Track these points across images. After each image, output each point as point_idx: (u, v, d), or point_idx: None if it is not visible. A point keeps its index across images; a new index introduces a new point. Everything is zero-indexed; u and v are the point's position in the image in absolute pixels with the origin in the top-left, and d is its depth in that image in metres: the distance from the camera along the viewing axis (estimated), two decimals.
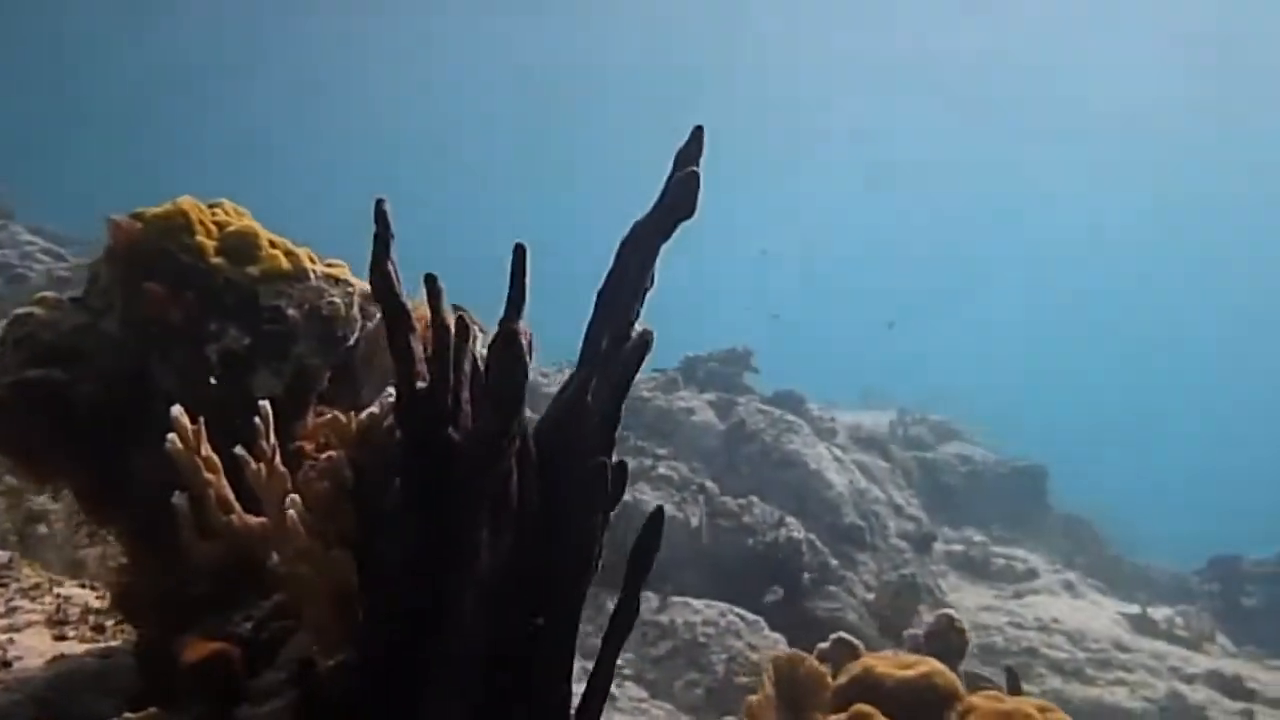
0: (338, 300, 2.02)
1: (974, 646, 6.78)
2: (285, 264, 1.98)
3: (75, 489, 1.99)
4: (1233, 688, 5.71)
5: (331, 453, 1.39)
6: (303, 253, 2.03)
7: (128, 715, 1.57)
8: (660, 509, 1.33)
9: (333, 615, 1.38)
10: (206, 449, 1.64)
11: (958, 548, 8.91)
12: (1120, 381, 42.11)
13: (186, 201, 1.95)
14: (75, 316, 2.01)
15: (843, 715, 2.30)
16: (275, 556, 1.66)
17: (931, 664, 2.43)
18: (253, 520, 1.65)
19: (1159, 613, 7.11)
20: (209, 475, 1.62)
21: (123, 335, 1.92)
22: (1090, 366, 42.87)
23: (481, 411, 1.11)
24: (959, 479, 12.00)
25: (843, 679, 2.45)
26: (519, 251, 1.15)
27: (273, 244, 1.99)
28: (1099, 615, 7.09)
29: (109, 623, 2.43)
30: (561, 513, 1.27)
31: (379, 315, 2.20)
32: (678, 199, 1.42)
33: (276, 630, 1.81)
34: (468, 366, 1.29)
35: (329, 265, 2.08)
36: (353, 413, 1.45)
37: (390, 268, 1.30)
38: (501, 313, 1.22)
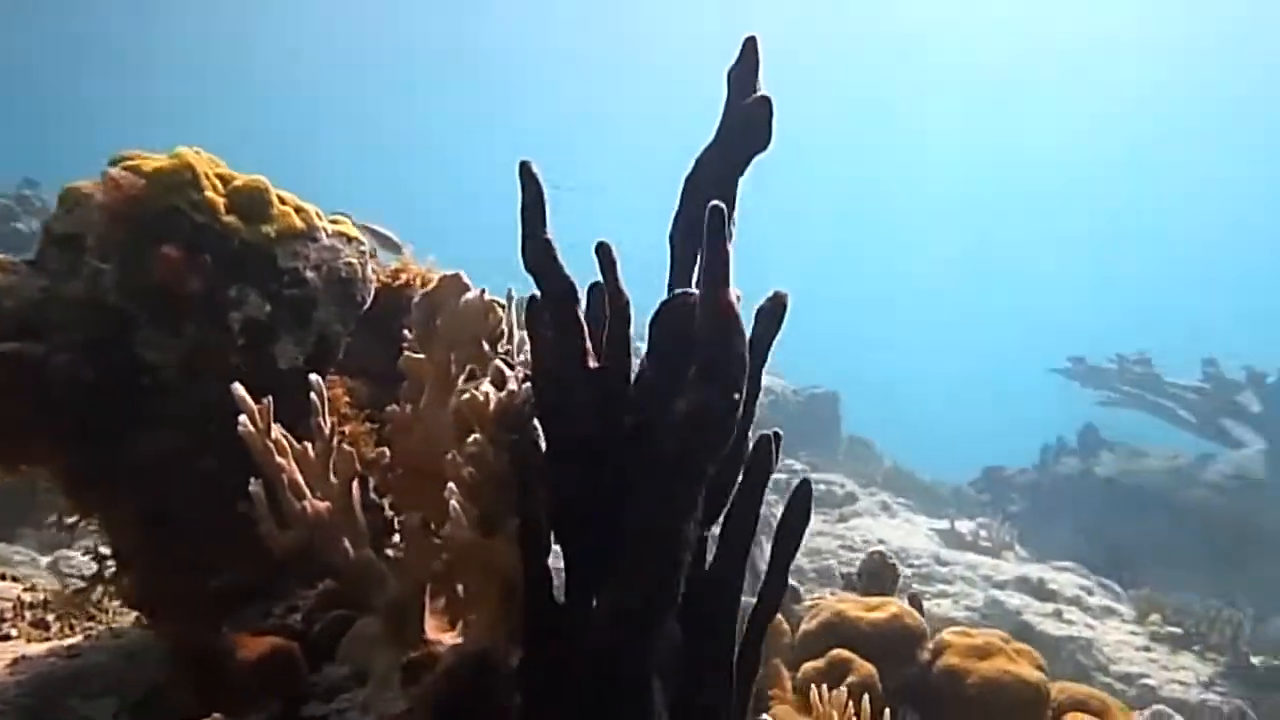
0: (354, 261, 1.88)
1: (812, 570, 7.26)
2: (298, 222, 1.82)
3: (57, 473, 1.77)
4: (1039, 591, 6.39)
5: (478, 437, 1.30)
6: (310, 209, 1.87)
7: None
8: (807, 481, 1.34)
9: (502, 610, 1.32)
10: (276, 430, 1.51)
11: (781, 476, 9.39)
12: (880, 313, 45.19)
13: (188, 153, 1.74)
14: (36, 280, 1.78)
15: (821, 661, 2.42)
16: (346, 543, 1.57)
17: (898, 605, 2.59)
18: (322, 506, 1.54)
19: (964, 526, 7.82)
20: (281, 459, 1.49)
21: (118, 303, 1.71)
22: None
23: (705, 389, 1.07)
24: (761, 410, 12.55)
25: (813, 625, 2.56)
26: (715, 213, 1.08)
27: (282, 200, 1.82)
28: (915, 533, 7.73)
29: (51, 618, 2.19)
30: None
31: (384, 277, 2.08)
32: (749, 130, 1.29)
33: (330, 623, 1.71)
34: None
35: (334, 220, 1.93)
36: (482, 391, 1.36)
37: (548, 236, 1.22)
38: (702, 278, 1.13)
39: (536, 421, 1.27)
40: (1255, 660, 5.38)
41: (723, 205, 1.09)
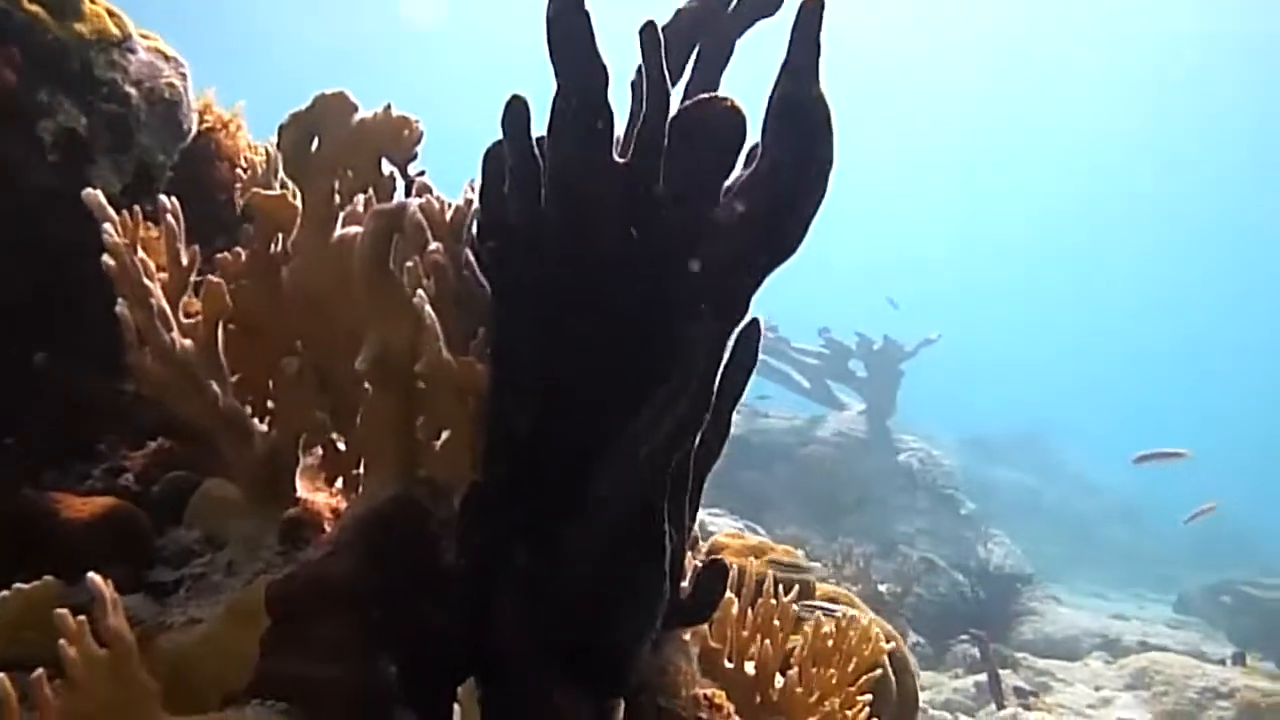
0: (176, 82, 1.62)
1: None
2: (112, 26, 1.54)
3: None
4: (701, 532, 6.88)
5: (437, 248, 1.17)
6: (123, 15, 1.59)
7: (19, 586, 1.20)
8: (756, 320, 1.35)
9: (472, 432, 1.21)
10: (141, 249, 1.27)
11: None
12: None
13: None
14: None
15: None
16: (214, 387, 1.36)
17: None
18: (187, 343, 1.33)
19: None
20: (149, 281, 1.26)
21: None
22: None
23: (778, 182, 1.04)
24: None
25: None
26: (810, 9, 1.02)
27: None
28: None
29: None
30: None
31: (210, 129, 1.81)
32: None
33: (171, 483, 1.48)
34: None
35: (144, 35, 1.65)
36: (440, 201, 1.23)
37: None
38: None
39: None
40: (883, 588, 6.21)
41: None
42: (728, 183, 1.12)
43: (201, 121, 1.81)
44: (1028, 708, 5.19)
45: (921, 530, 9.20)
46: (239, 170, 1.71)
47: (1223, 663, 7.28)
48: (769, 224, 1.09)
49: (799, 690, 1.53)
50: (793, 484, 9.14)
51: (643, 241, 1.12)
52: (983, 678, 5.92)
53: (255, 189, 1.47)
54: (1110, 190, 36.45)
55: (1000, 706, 5.28)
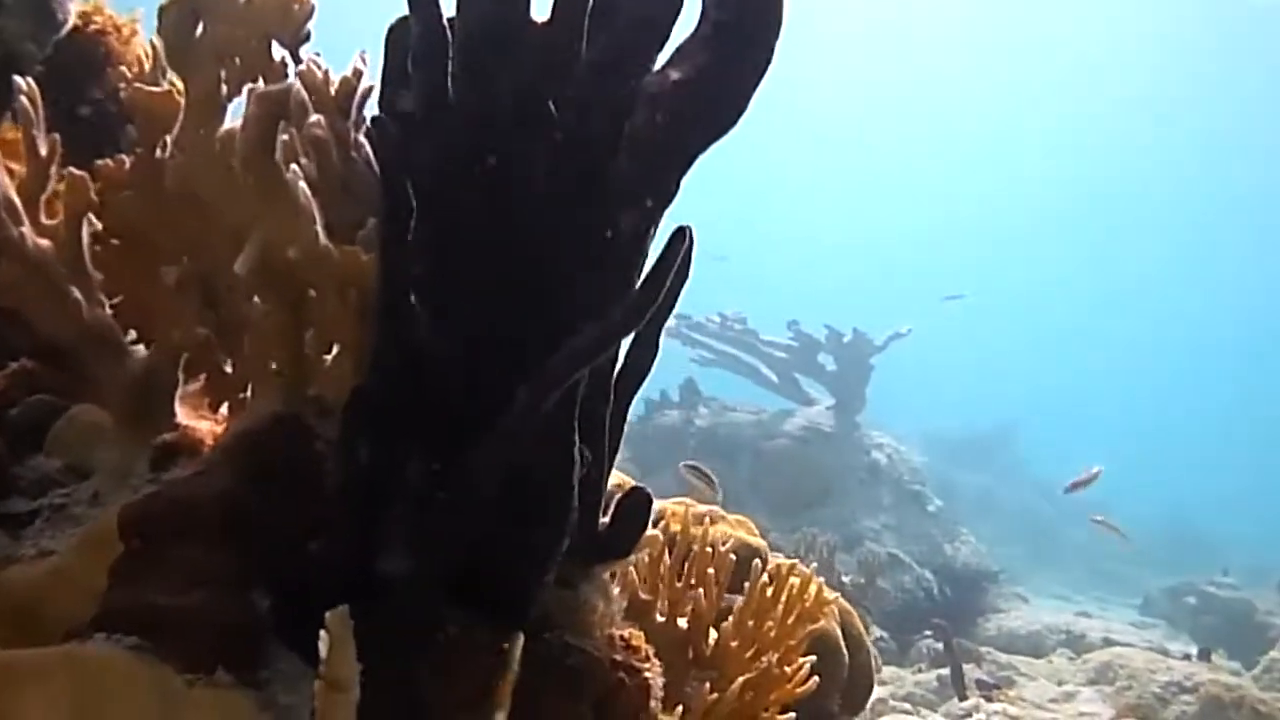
0: None
1: None
2: None
3: None
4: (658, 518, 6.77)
5: (318, 121, 1.04)
6: None
7: None
8: (686, 228, 1.22)
9: (358, 337, 1.07)
10: None
11: None
12: None
13: None
14: None
15: None
16: (76, 295, 1.21)
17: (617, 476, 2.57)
18: (44, 243, 1.18)
19: None
20: None
21: None
22: None
23: (721, 47, 0.92)
24: None
25: None
26: None
27: None
28: None
29: None
30: None
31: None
32: None
33: (30, 408, 1.33)
34: None
35: None
36: (322, 73, 1.09)
37: None
38: None
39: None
40: (846, 579, 6.10)
41: None
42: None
43: (89, 24, 1.66)
44: (990, 699, 5.10)
45: (888, 526, 9.13)
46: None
47: (1187, 658, 7.25)
48: (707, 91, 0.97)
49: (734, 644, 1.40)
50: (756, 478, 9.03)
51: (563, 117, 0.99)
52: (945, 672, 5.84)
53: (137, 84, 1.33)
54: (1084, 186, 36.70)
55: (962, 698, 5.19)
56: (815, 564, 6.19)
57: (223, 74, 1.24)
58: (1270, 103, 30.30)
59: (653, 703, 1.12)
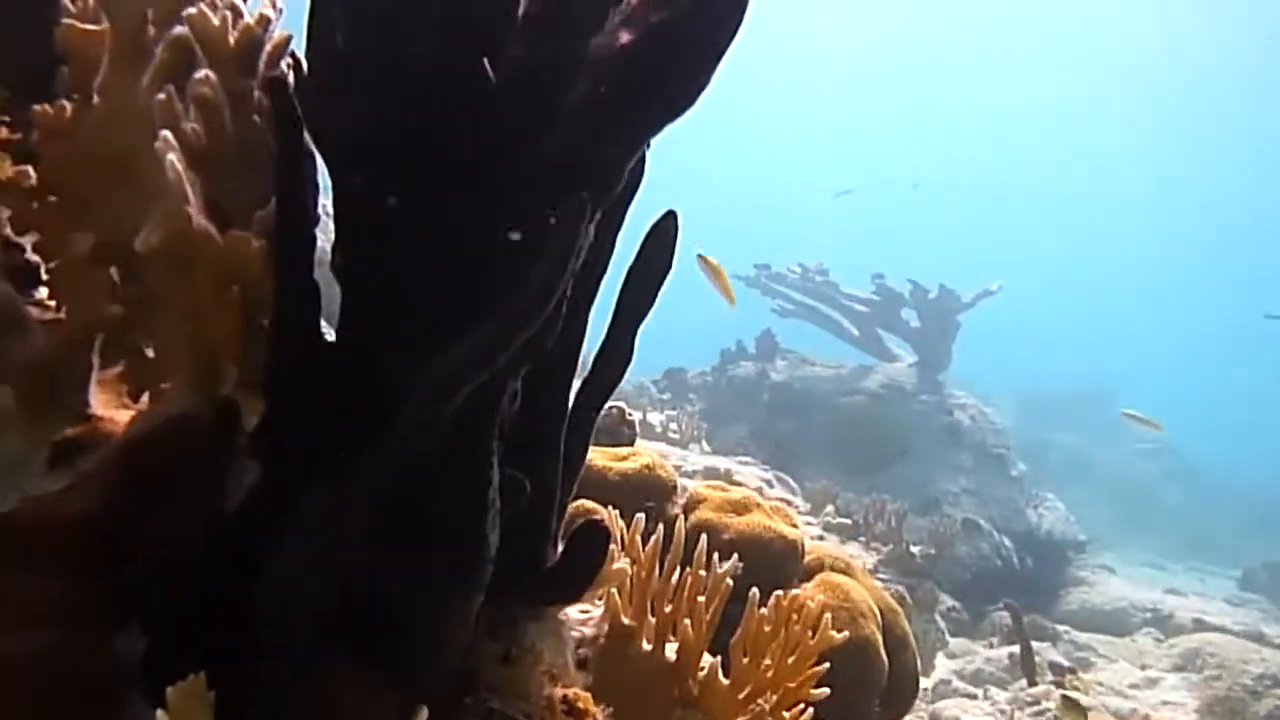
0: None
1: None
2: None
3: None
4: (725, 481, 6.58)
5: (206, 77, 0.86)
6: None
7: None
8: (672, 213, 1.03)
9: (233, 330, 0.90)
10: None
11: None
12: None
13: None
14: None
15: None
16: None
17: (649, 455, 2.40)
18: None
19: (655, 417, 7.93)
20: None
21: None
22: None
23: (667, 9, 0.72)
24: None
25: None
26: None
27: None
28: None
29: None
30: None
31: None
32: None
33: None
34: None
35: None
36: (219, 14, 0.91)
37: None
38: None
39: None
40: (915, 550, 5.84)
41: None
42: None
43: None
44: (1062, 685, 4.83)
45: (967, 490, 8.79)
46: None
47: None
48: (655, 59, 0.75)
49: (725, 684, 1.22)
50: (830, 435, 8.75)
51: (488, 83, 0.79)
52: (1017, 649, 5.56)
53: (70, 21, 1.16)
54: (1206, 155, 34.80)
55: (1032, 683, 4.92)
56: (881, 528, 5.98)
57: (149, 11, 1.07)
58: None
59: None
